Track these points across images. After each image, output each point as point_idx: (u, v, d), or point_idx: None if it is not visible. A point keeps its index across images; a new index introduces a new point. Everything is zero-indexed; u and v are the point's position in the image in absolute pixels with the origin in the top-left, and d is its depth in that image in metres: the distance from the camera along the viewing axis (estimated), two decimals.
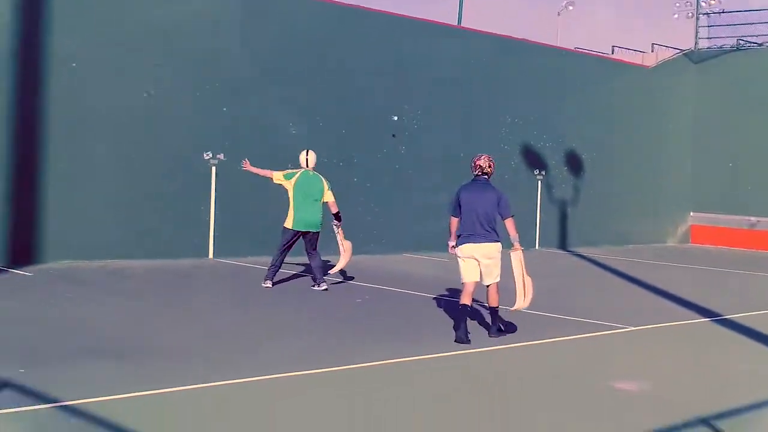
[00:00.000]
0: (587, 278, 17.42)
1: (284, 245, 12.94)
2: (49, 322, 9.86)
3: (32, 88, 14.37)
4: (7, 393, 6.77)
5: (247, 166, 13.41)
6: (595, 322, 11.43)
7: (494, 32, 21.88)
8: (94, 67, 14.98)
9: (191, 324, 10.26)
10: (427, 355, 9.03)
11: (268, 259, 13.20)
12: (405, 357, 8.82)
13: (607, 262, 19.65)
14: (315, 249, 13.01)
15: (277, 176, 13.05)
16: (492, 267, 9.95)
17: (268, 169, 13.33)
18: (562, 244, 22.82)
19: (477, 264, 9.93)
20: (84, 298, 11.63)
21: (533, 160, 22.09)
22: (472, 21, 24.36)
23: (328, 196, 13.06)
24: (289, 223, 12.86)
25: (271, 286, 12.93)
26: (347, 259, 13.34)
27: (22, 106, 14.29)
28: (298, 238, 12.96)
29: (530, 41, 22.63)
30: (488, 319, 10.36)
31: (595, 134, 23.57)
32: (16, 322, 9.82)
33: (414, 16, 20.11)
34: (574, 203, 23.15)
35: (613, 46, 28.32)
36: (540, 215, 22.26)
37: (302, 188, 12.87)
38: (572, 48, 25.92)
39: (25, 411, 6.38)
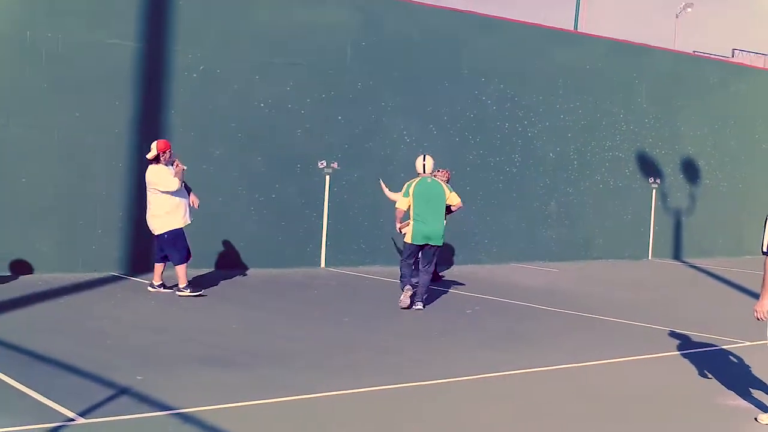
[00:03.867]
0: (699, 289, 17.13)
1: (404, 259, 12.52)
2: (167, 330, 10.25)
3: (155, 98, 14.86)
4: (125, 399, 7.11)
5: (383, 187, 14.38)
6: (706, 336, 11.31)
7: (611, 37, 21.67)
8: (216, 74, 15.41)
9: (303, 333, 10.52)
10: (533, 368, 9.10)
11: (381, 269, 13.28)
12: (510, 370, 8.91)
13: (722, 273, 19.31)
14: (429, 265, 12.37)
15: (402, 204, 12.33)
16: None
17: (398, 192, 12.88)
18: (677, 255, 22.47)
19: None
20: (202, 305, 12.01)
21: (648, 167, 21.80)
22: (588, 26, 24.14)
23: (453, 199, 12.46)
24: (408, 237, 12.30)
25: (408, 306, 12.21)
26: None
27: (146, 116, 14.76)
28: (419, 251, 12.39)
29: (648, 45, 22.33)
30: None
31: (712, 140, 23.13)
32: (134, 329, 10.24)
33: (529, 21, 20.12)
34: (690, 212, 22.74)
35: (734, 49, 27.77)
36: (654, 224, 21.95)
37: (421, 196, 12.23)
38: (690, 51, 25.49)
39: (142, 417, 6.69)
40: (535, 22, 20.21)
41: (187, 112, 15.08)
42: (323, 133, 16.56)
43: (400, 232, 12.56)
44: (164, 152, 12.18)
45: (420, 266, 12.48)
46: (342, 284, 14.87)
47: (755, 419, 7.50)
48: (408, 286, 12.32)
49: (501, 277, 16.43)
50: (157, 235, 12.43)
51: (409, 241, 12.29)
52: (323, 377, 8.23)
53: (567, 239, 19.85)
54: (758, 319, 7.23)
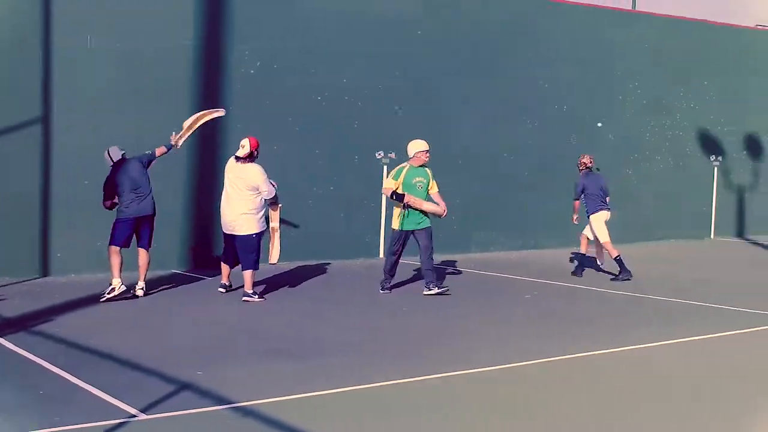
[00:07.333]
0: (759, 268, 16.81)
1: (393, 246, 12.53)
2: (223, 325, 10.41)
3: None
4: (187, 394, 7.22)
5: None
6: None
7: (669, 14, 21.25)
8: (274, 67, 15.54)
9: (354, 323, 10.60)
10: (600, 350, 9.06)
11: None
12: (575, 353, 8.87)
13: None
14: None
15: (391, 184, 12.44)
16: None
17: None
18: (740, 232, 22.12)
19: None
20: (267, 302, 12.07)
21: (709, 145, 21.45)
22: (645, 4, 23.67)
23: (433, 187, 12.53)
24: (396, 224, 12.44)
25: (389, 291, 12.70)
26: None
27: None
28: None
29: (707, 21, 21.88)
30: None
31: None
32: (192, 324, 10.42)
33: (589, 3, 19.87)
34: (753, 189, 22.32)
35: None
36: (716, 203, 21.59)
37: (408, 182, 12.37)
38: (752, 25, 24.90)
39: (203, 412, 6.78)
40: (596, 4, 19.99)
41: None
42: (380, 125, 16.58)
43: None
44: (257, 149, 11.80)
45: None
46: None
47: None
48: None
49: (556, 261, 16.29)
50: (241, 236, 11.80)
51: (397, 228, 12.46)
52: (385, 365, 8.28)
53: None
54: None
